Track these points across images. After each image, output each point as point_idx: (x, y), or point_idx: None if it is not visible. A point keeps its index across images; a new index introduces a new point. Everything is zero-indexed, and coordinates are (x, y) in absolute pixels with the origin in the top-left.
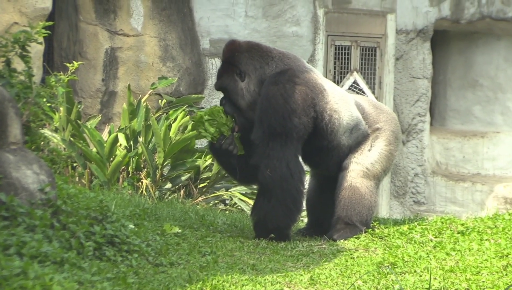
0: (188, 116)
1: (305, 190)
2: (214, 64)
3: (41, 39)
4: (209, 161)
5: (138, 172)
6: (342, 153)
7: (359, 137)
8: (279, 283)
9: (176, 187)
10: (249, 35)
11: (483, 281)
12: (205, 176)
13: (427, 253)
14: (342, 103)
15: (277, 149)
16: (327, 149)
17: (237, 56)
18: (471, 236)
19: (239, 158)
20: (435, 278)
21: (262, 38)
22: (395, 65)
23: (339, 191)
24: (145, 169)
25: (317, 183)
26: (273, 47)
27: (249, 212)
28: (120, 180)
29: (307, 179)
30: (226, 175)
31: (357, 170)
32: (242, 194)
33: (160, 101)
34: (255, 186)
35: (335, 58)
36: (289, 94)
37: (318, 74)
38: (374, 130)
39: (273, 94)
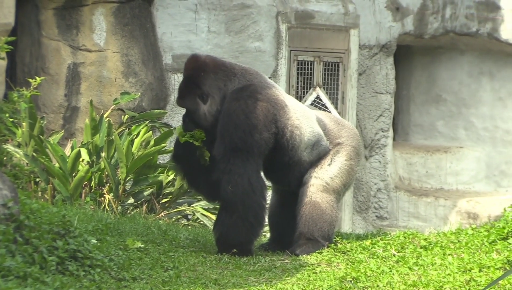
0: (150, 132)
1: (267, 205)
2: (176, 80)
3: (3, 54)
4: (171, 177)
5: (100, 187)
6: (303, 169)
7: (321, 153)
8: None
9: (139, 202)
10: (211, 51)
11: None
12: (167, 191)
13: (390, 268)
14: (304, 119)
15: (238, 165)
16: (288, 165)
17: (202, 76)
18: (434, 251)
19: (205, 175)
20: None
21: (224, 54)
22: (358, 80)
23: (300, 206)
24: (108, 184)
25: (279, 198)
26: (235, 62)
27: (211, 227)
28: (83, 195)
29: (269, 194)
30: (188, 190)
31: (317, 185)
32: (205, 209)
33: (122, 116)
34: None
35: (298, 74)
36: (250, 109)
37: (280, 90)
38: (335, 145)
39: (235, 110)
